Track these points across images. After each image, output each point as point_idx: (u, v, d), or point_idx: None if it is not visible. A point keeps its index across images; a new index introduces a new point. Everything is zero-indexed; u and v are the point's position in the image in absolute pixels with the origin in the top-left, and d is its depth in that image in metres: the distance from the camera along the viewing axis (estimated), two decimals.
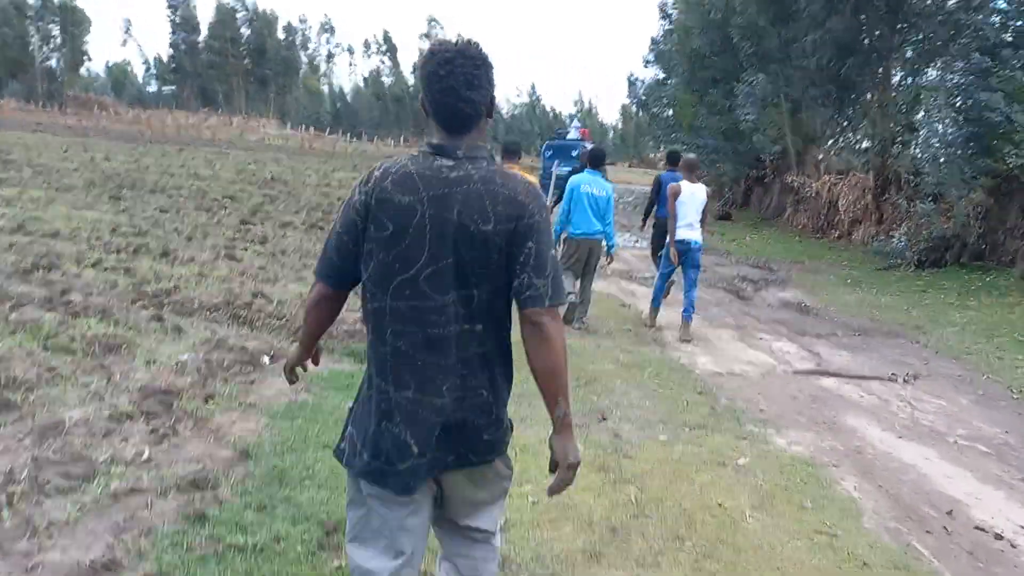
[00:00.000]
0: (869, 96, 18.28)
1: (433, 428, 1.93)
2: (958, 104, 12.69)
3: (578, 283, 7.99)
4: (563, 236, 7.98)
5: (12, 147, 23.34)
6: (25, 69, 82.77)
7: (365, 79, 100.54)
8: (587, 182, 7.82)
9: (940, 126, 12.82)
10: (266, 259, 9.28)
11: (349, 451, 2.04)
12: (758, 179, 24.56)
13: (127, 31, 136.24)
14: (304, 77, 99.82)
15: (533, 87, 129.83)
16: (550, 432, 1.98)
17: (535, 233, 1.89)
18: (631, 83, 35.02)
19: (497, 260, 1.88)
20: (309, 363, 2.35)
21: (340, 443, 2.10)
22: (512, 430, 2.12)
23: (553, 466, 1.99)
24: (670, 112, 29.57)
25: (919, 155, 13.75)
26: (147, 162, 23.97)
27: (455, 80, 1.91)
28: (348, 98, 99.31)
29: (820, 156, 21.78)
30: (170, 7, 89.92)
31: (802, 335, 8.64)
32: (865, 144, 17.91)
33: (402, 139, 65.62)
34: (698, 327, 8.63)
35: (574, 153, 20.53)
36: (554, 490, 1.99)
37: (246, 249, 9.74)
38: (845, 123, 19.74)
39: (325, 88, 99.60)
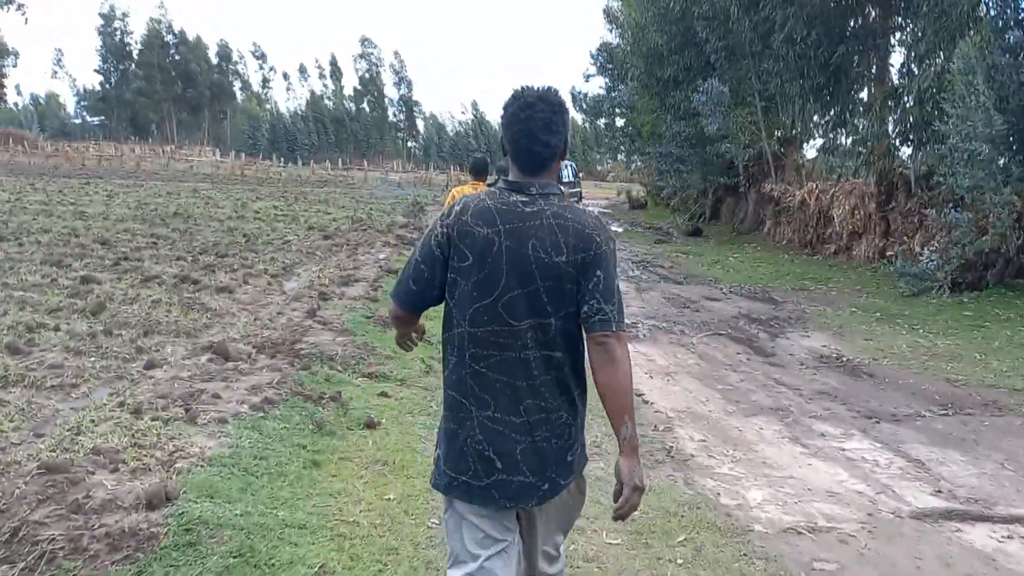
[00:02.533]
0: (867, 88, 15.86)
1: (515, 446, 2.09)
2: (998, 89, 10.24)
3: None
4: None
5: None
6: None
7: (308, 101, 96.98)
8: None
9: (975, 117, 10.31)
10: (70, 353, 6.22)
11: (437, 474, 2.21)
12: (729, 189, 22.10)
13: (58, 62, 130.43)
14: (242, 103, 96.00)
15: (475, 103, 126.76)
16: (617, 457, 2.09)
17: (603, 263, 2.08)
18: (574, 96, 32.78)
19: (570, 289, 2.07)
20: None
21: (434, 475, 2.23)
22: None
23: (618, 493, 2.08)
24: (621, 121, 27.18)
25: (947, 153, 11.20)
26: (33, 199, 20.57)
27: (534, 124, 2.12)
28: (287, 122, 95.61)
29: (800, 160, 19.39)
30: (99, 35, 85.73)
31: (874, 420, 5.92)
32: (860, 144, 15.45)
33: (340, 162, 62.26)
34: (728, 418, 5.87)
35: (563, 175, 18.07)
36: (621, 514, 2.09)
37: (57, 329, 6.69)
38: (832, 121, 17.35)
39: (263, 113, 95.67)
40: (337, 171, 53.74)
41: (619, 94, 26.47)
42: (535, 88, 2.17)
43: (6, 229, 13.79)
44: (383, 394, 5.69)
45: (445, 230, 2.14)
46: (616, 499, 2.07)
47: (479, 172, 7.53)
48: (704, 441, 5.38)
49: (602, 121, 28.19)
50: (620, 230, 23.28)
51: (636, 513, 2.26)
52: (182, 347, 6.58)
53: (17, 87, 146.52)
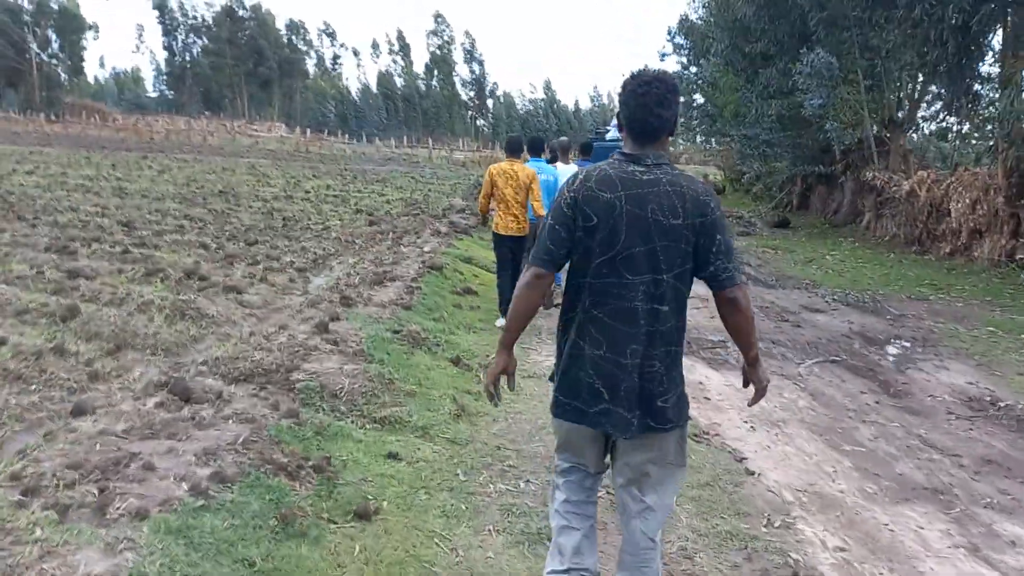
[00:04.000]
0: (1003, 60, 13.55)
1: (619, 382, 2.42)
2: None
3: None
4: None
5: None
6: (23, 77, 79.52)
7: (378, 78, 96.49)
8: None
9: None
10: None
11: (553, 403, 2.58)
12: (821, 176, 19.90)
13: (139, 37, 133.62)
14: (313, 79, 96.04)
15: (548, 82, 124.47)
16: (744, 365, 2.69)
17: (720, 226, 2.42)
18: None
19: (684, 249, 2.39)
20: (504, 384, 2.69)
21: (552, 404, 2.59)
22: (688, 408, 2.59)
23: (745, 384, 2.71)
24: (700, 100, 25.07)
25: None
26: (81, 173, 19.83)
27: (650, 99, 2.42)
28: (355, 99, 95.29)
29: (908, 146, 17.13)
30: (170, 9, 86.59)
31: None
32: (984, 128, 13.25)
33: (405, 139, 61.16)
34: (869, 505, 4.16)
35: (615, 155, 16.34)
36: (754, 402, 2.71)
37: (3, 342, 5.38)
38: (950, 101, 15.09)
39: (332, 90, 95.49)
40: (402, 149, 52.66)
41: (699, 70, 24.30)
42: (652, 70, 2.53)
43: (32, 206, 12.81)
44: (392, 455, 4.19)
45: (572, 195, 2.47)
46: (745, 385, 2.72)
47: (513, 150, 7.69)
48: (844, 550, 3.72)
49: (683, 100, 26.04)
50: None
51: None
52: (156, 367, 5.24)
53: (101, 60, 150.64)
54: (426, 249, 10.26)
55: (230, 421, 4.06)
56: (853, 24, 15.73)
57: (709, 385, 6.33)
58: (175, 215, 13.09)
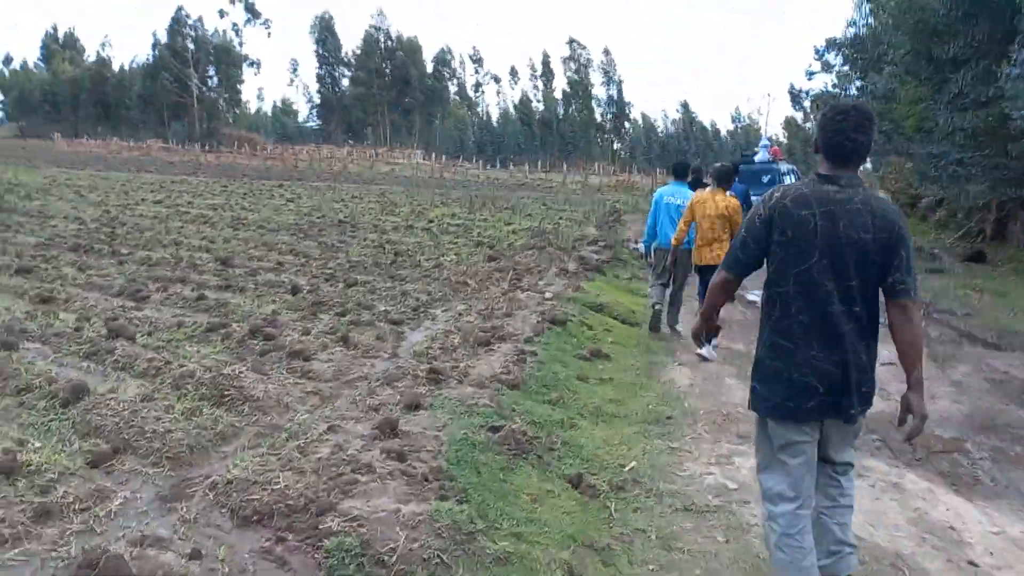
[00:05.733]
0: None
1: (833, 376, 2.75)
2: None
3: (667, 292, 7.97)
4: (652, 247, 8.14)
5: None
6: (186, 110, 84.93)
7: (515, 105, 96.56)
8: (669, 193, 7.98)
9: None
10: None
11: (756, 401, 2.94)
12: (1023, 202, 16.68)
13: (294, 71, 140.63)
14: (453, 106, 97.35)
15: (686, 104, 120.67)
16: (905, 390, 2.80)
17: (905, 242, 2.71)
18: (794, 96, 28.08)
19: (871, 259, 2.70)
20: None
21: (750, 399, 2.98)
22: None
23: (903, 418, 2.81)
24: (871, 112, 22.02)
25: None
26: (207, 203, 19.50)
27: (847, 124, 2.72)
28: (494, 124, 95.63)
29: None
30: (318, 42, 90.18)
31: None
32: None
33: (539, 164, 59.92)
34: None
35: (765, 179, 14.18)
36: (911, 436, 2.81)
37: None
38: None
39: (471, 116, 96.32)
40: (536, 174, 51.46)
41: (866, 84, 21.36)
42: (850, 100, 2.92)
43: (138, 239, 12.07)
44: None
45: (768, 212, 2.79)
46: (901, 424, 2.83)
47: (721, 179, 7.49)
48: None
49: None
50: None
51: None
52: (152, 486, 3.71)
53: (259, 92, 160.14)
54: (547, 296, 8.46)
55: None
56: None
57: (964, 529, 4.14)
58: (281, 249, 11.99)
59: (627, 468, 4.53)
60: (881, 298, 2.82)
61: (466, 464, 3.95)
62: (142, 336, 6.22)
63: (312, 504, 3.35)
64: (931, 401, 6.29)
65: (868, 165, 26.74)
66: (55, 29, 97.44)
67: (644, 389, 6.21)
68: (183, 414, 4.42)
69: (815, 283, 2.73)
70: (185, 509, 3.42)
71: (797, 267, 2.75)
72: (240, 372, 5.10)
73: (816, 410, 2.78)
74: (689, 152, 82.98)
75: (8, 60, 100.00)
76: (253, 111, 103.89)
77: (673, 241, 7.61)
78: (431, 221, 17.89)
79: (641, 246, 15.29)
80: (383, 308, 7.88)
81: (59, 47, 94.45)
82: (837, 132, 2.74)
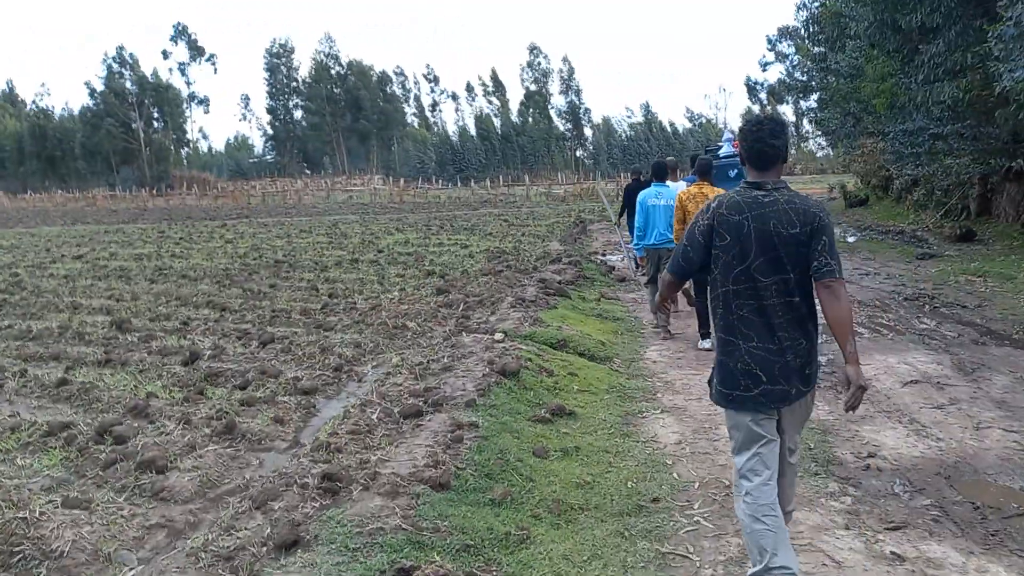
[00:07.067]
0: None
1: (773, 365, 2.97)
2: None
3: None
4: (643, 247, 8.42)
5: None
6: (134, 155, 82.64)
7: (476, 120, 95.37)
8: (653, 195, 8.20)
9: None
10: None
11: (714, 394, 3.17)
12: (1011, 174, 15.50)
13: (245, 105, 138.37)
14: (411, 128, 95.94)
15: (647, 104, 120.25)
16: (844, 364, 2.94)
17: (826, 230, 2.94)
18: (750, 87, 27.33)
19: (803, 252, 2.92)
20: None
21: (711, 392, 3.21)
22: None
23: (845, 386, 2.95)
24: (813, 103, 21.01)
25: None
26: (125, 253, 17.89)
27: (764, 132, 3.01)
28: (454, 142, 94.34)
29: None
30: (267, 73, 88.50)
31: None
32: None
33: (501, 179, 58.53)
34: None
35: (732, 173, 12.94)
36: (850, 405, 2.95)
37: None
38: None
39: (430, 137, 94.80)
40: (499, 189, 50.14)
41: (832, 62, 20.22)
42: (763, 112, 3.61)
43: (30, 305, 10.47)
44: None
45: (708, 221, 3.05)
46: (845, 393, 2.96)
47: (702, 173, 7.58)
48: None
49: (812, 101, 22.37)
50: (853, 240, 17.26)
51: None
52: None
53: (202, 130, 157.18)
54: (497, 338, 7.01)
55: None
56: None
57: None
58: (196, 302, 10.46)
59: None
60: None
61: None
62: None
63: None
64: (979, 433, 4.95)
65: (829, 151, 25.81)
66: None
67: (621, 457, 4.78)
68: None
69: (753, 280, 2.96)
70: None
71: (737, 267, 2.98)
72: (45, 512, 3.60)
73: (764, 396, 2.99)
74: (651, 153, 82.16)
75: None
76: (205, 150, 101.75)
77: (675, 238, 7.57)
78: (380, 251, 16.42)
79: (611, 258, 13.79)
80: (293, 374, 6.40)
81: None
82: (757, 140, 3.01)
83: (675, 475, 4.51)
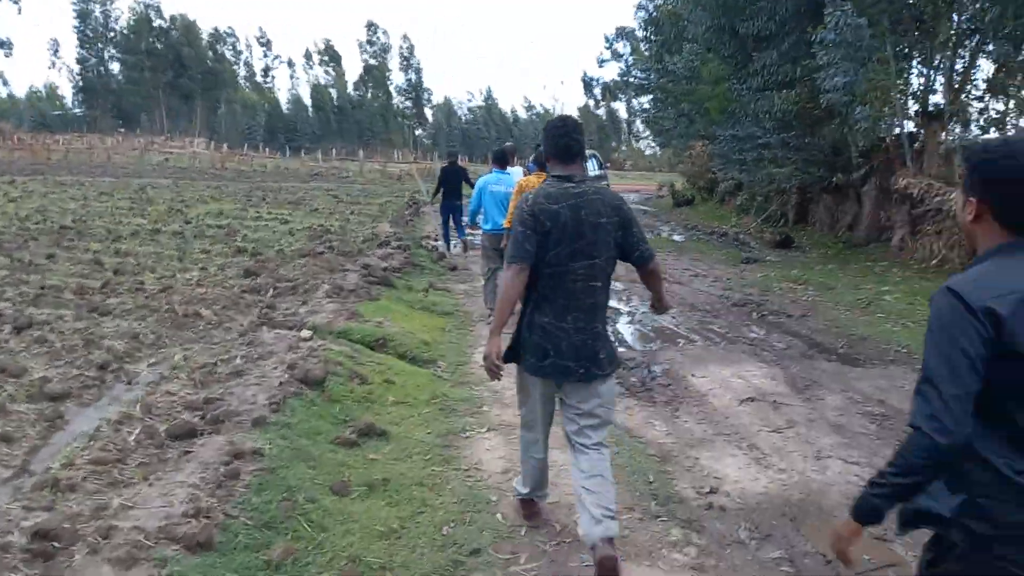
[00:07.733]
0: None
1: (560, 341, 3.23)
2: None
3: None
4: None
5: None
6: None
7: (312, 90, 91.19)
8: (493, 182, 8.35)
9: None
10: None
11: (514, 356, 3.37)
12: (828, 185, 16.27)
13: (55, 52, 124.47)
14: (241, 91, 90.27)
15: (489, 90, 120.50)
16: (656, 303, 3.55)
17: (633, 220, 3.31)
18: (586, 83, 27.85)
19: (609, 239, 3.23)
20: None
21: (507, 354, 3.36)
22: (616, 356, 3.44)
23: (655, 308, 3.56)
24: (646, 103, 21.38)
25: None
26: None
27: (567, 128, 3.33)
28: (285, 111, 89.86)
29: (952, 144, 13.54)
30: (78, 18, 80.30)
31: None
32: None
33: (333, 152, 56.24)
34: None
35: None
36: (660, 311, 3.58)
37: None
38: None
39: (261, 103, 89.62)
40: (331, 162, 48.03)
41: (669, 63, 20.46)
42: (565, 115, 3.54)
43: None
44: None
45: (531, 209, 3.21)
46: (658, 306, 3.56)
47: (541, 164, 7.43)
48: None
49: (645, 100, 22.66)
50: (681, 239, 17.52)
51: None
52: None
53: (1, 76, 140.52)
54: (304, 335, 6.08)
55: None
56: None
57: None
58: None
59: None
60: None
61: None
62: None
63: None
64: (820, 464, 4.64)
65: (657, 150, 26.48)
66: None
67: (437, 492, 4.05)
68: None
69: (564, 265, 3.20)
70: None
71: (552, 252, 3.19)
72: None
73: (551, 368, 3.27)
74: (490, 140, 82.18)
75: None
76: (4, 96, 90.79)
77: (506, 224, 7.63)
78: (188, 222, 14.78)
79: (441, 244, 13.23)
80: (42, 373, 5.17)
81: None
82: (563, 135, 3.32)
83: (499, 516, 3.84)
